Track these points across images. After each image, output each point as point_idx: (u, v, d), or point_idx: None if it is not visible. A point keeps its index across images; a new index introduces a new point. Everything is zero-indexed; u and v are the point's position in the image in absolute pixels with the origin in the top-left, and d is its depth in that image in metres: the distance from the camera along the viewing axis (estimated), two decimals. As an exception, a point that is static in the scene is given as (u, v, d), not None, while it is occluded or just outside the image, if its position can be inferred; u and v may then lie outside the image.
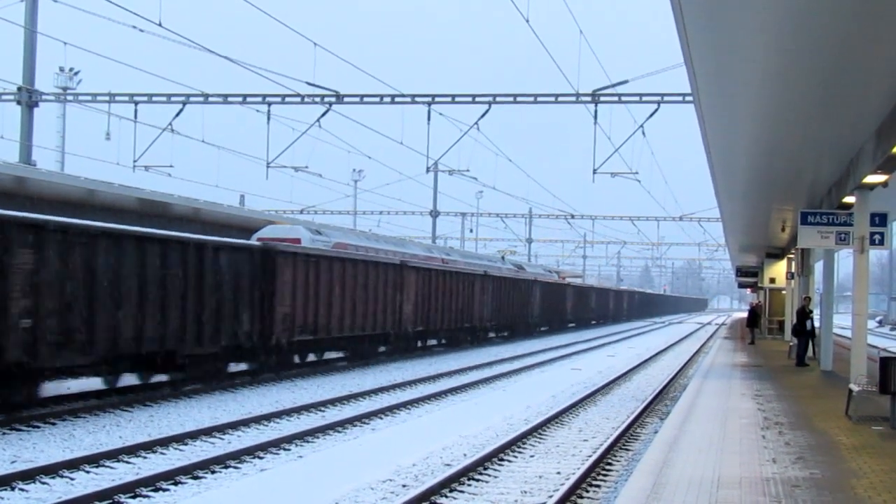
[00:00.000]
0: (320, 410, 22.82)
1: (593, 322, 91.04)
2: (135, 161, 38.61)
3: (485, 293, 51.31)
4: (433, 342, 46.51)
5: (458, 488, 14.29)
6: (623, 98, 34.74)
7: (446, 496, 13.79)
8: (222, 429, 19.17)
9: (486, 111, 36.48)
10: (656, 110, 34.37)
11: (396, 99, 36.24)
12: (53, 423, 19.40)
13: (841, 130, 19.78)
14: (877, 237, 23.96)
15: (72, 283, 20.30)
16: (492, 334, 56.17)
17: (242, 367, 28.64)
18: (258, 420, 20.51)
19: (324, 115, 36.92)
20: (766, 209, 35.72)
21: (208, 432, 18.73)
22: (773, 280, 55.42)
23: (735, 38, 13.97)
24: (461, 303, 47.27)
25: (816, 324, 32.56)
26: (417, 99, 36.34)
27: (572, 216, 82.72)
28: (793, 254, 43.03)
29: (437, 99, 36.33)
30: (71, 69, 49.98)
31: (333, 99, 36.07)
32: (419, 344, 43.45)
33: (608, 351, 50.23)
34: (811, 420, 18.23)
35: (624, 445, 18.73)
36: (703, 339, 64.08)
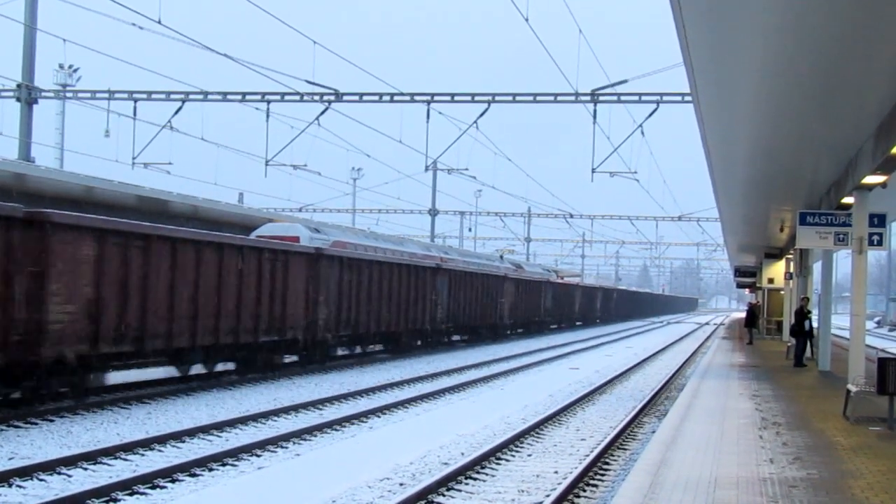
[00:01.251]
0: (318, 409, 22.82)
1: (553, 326, 73.89)
2: (134, 158, 38.62)
3: (319, 286, 31.23)
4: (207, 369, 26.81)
5: (456, 487, 14.29)
6: (622, 98, 34.77)
7: (444, 495, 13.78)
8: (220, 427, 19.17)
9: (486, 110, 36.52)
10: (655, 110, 34.43)
11: (395, 97, 36.25)
12: (51, 421, 19.39)
13: (840, 131, 19.77)
14: (875, 238, 23.97)
15: None
16: (367, 348, 38.55)
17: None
18: (256, 418, 20.51)
19: (323, 113, 36.96)
20: (764, 209, 35.72)
21: (206, 430, 18.73)
22: (771, 280, 55.42)
23: (734, 38, 13.97)
24: (268, 302, 27.86)
25: (815, 324, 32.55)
26: (416, 97, 36.34)
27: (571, 215, 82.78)
28: (791, 254, 43.02)
29: (436, 98, 36.34)
30: (70, 66, 49.91)
31: (332, 97, 36.08)
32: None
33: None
34: (809, 420, 18.23)
35: (621, 445, 18.73)
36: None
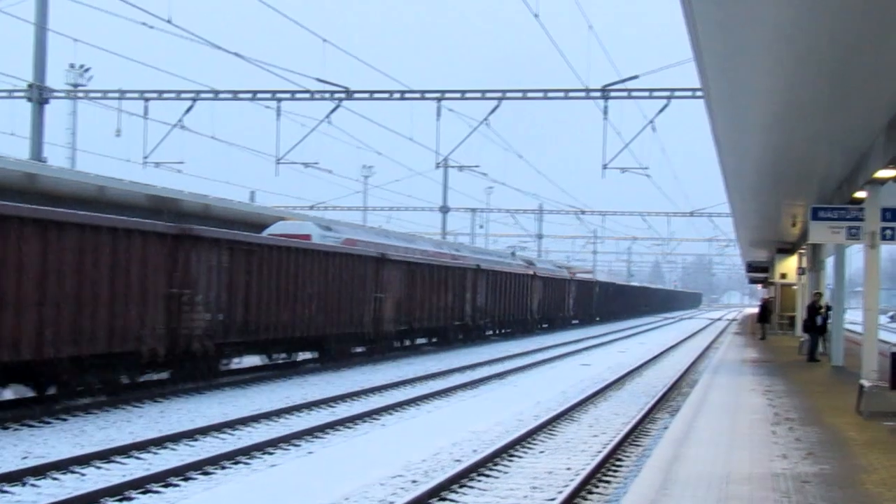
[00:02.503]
0: (330, 406, 22.85)
1: (494, 333, 53.69)
2: (145, 157, 38.69)
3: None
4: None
5: (468, 484, 14.29)
6: (633, 93, 34.68)
7: (456, 492, 13.78)
8: (232, 424, 19.20)
9: (496, 107, 36.46)
10: (666, 105, 34.30)
11: (406, 95, 36.24)
12: (64, 419, 19.45)
13: (852, 125, 19.72)
14: (888, 232, 23.85)
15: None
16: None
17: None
18: (268, 416, 20.54)
19: (333, 111, 36.94)
20: (776, 204, 35.65)
21: (218, 428, 18.76)
22: (783, 275, 55.25)
23: (745, 33, 13.93)
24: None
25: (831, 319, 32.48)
26: (427, 95, 36.32)
27: (582, 212, 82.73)
28: (803, 249, 42.93)
29: (446, 95, 36.31)
30: (81, 66, 50.00)
31: (343, 95, 36.08)
32: None
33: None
34: (822, 415, 18.19)
35: (634, 441, 18.71)
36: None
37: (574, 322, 75.89)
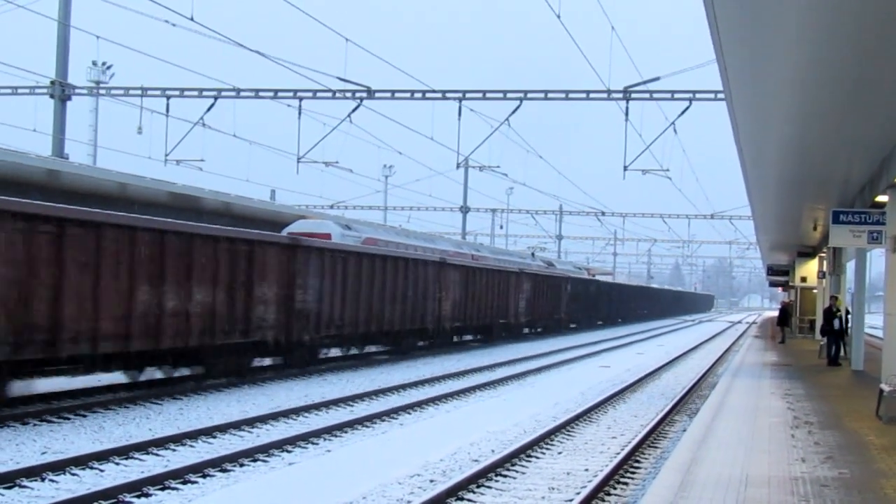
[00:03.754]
0: (349, 405, 22.87)
1: (334, 356, 33.57)
2: (166, 155, 38.80)
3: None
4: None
5: (486, 484, 14.29)
6: (655, 95, 34.64)
7: (474, 492, 13.78)
8: (251, 422, 19.24)
9: (517, 107, 36.44)
10: (688, 107, 34.24)
11: (427, 94, 36.26)
12: (84, 416, 19.52)
13: (874, 129, 19.63)
14: (909, 236, 23.75)
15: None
16: None
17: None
18: (287, 414, 20.57)
19: (355, 110, 37.00)
20: (797, 207, 35.51)
21: (237, 426, 18.80)
22: (804, 279, 55.00)
23: (767, 35, 13.88)
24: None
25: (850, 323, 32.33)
26: (448, 95, 36.34)
27: (603, 213, 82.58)
28: (824, 252, 42.76)
29: (467, 95, 36.33)
30: (104, 63, 50.19)
31: (364, 94, 36.12)
32: None
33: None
34: (841, 420, 18.12)
35: (652, 443, 18.67)
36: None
37: (537, 330, 59.28)
